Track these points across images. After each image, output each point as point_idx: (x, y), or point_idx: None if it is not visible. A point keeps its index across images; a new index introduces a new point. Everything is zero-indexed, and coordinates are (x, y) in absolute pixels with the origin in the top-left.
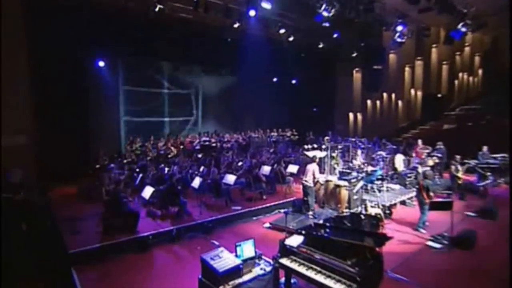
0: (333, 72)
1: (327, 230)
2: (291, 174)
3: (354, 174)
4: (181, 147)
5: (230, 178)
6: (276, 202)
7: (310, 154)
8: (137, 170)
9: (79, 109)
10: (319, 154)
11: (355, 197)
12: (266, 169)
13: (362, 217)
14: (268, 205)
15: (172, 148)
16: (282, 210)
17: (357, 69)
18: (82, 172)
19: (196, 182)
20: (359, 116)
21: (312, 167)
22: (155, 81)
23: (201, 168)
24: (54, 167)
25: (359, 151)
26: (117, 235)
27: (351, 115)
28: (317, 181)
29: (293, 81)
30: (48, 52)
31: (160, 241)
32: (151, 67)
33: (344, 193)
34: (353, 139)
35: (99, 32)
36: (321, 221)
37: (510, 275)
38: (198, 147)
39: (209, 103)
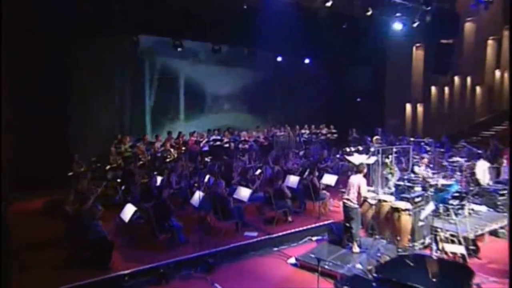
0: (384, 49)
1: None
2: (327, 187)
3: (418, 189)
4: (183, 148)
5: (243, 193)
6: (306, 227)
7: (354, 159)
8: (118, 180)
9: (55, 98)
10: (366, 159)
11: (420, 223)
12: (293, 180)
13: (438, 262)
14: (294, 230)
15: (172, 150)
16: (314, 238)
17: (418, 44)
18: (56, 181)
19: (196, 197)
20: (420, 108)
21: (357, 181)
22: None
23: (207, 177)
24: (22, 173)
25: (425, 157)
26: (81, 273)
27: (408, 107)
28: (365, 200)
29: (330, 63)
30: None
31: (141, 283)
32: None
33: (406, 220)
34: (412, 139)
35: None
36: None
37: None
38: (206, 148)
39: (221, 94)
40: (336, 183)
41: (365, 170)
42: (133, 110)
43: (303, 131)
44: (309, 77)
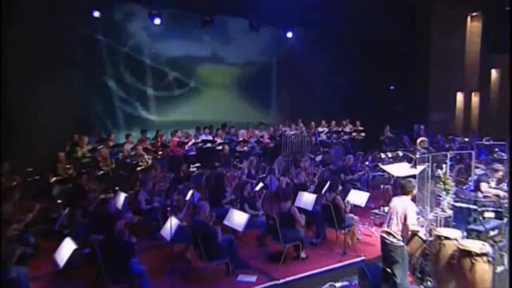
0: (427, 22)
1: None
2: (354, 209)
3: (490, 216)
4: (160, 152)
5: (238, 219)
6: (327, 267)
7: (393, 170)
8: (59, 201)
9: None
10: (409, 169)
11: (499, 268)
12: (307, 199)
13: None
14: (310, 272)
15: (144, 154)
16: (338, 285)
17: (474, 13)
18: None
19: (168, 226)
20: (475, 98)
21: (403, 206)
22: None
23: (190, 193)
24: None
25: (499, 169)
26: None
27: (459, 97)
28: (414, 235)
29: (356, 40)
30: None
31: None
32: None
33: (484, 270)
34: (467, 139)
35: None
36: None
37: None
38: (192, 152)
39: (213, 81)
40: (368, 201)
41: (415, 191)
42: (94, 103)
43: (320, 129)
44: (328, 58)
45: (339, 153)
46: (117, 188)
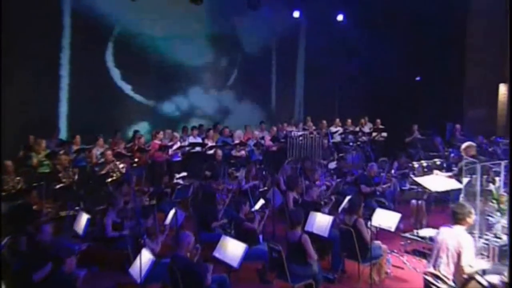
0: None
1: None
2: (380, 233)
3: None
4: (136, 160)
5: (233, 250)
6: None
7: (430, 183)
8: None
9: None
10: (448, 182)
11: None
12: (321, 222)
13: None
14: None
15: (115, 161)
16: None
17: None
18: None
19: (142, 262)
20: None
21: (455, 239)
22: None
23: (171, 213)
24: None
25: None
26: None
27: (502, 89)
28: (471, 279)
29: (375, 22)
30: None
31: None
32: None
33: None
34: None
35: None
36: None
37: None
38: (177, 158)
39: (201, 69)
40: (399, 223)
41: (472, 219)
42: (53, 96)
43: (333, 128)
44: (342, 43)
45: (358, 159)
46: (77, 207)
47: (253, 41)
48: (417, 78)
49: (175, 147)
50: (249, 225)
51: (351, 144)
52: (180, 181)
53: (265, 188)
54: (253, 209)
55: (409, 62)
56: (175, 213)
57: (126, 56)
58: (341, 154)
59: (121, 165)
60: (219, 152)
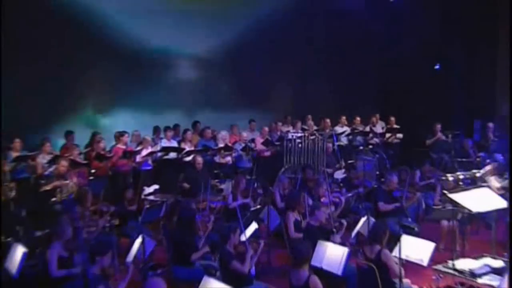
0: None
1: None
2: (407, 265)
3: None
4: (94, 170)
5: None
6: None
7: (471, 201)
8: None
9: None
10: (497, 199)
11: None
12: (333, 255)
13: None
14: None
15: (70, 171)
16: None
17: None
18: None
19: None
20: None
21: None
22: None
23: (137, 244)
24: None
25: None
26: None
27: None
28: None
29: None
30: None
31: None
32: None
33: None
34: None
35: None
36: None
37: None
38: (148, 167)
39: (179, 55)
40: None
41: None
42: None
43: (339, 128)
44: (348, 25)
45: (370, 167)
46: (9, 238)
47: (248, 22)
48: (436, 67)
49: (144, 153)
50: (239, 267)
51: (361, 148)
52: (150, 197)
53: (258, 206)
54: (244, 238)
55: (426, 48)
56: (143, 241)
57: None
58: (350, 161)
59: (74, 179)
60: (199, 159)
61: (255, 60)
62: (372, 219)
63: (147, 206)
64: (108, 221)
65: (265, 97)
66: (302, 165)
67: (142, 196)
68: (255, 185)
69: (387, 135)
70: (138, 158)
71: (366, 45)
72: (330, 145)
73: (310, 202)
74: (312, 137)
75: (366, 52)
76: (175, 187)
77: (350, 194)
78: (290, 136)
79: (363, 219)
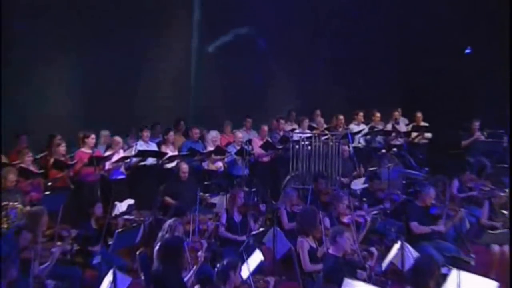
0: None
1: None
2: None
3: None
4: (50, 183)
5: None
6: None
7: None
8: None
9: None
10: None
11: None
12: None
13: None
14: None
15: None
16: None
17: None
18: None
19: None
20: None
21: None
22: None
23: (108, 279)
24: None
25: None
26: None
27: None
28: None
29: None
30: None
31: None
32: None
33: None
34: None
35: None
36: None
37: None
38: (120, 176)
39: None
40: None
41: None
42: None
43: (354, 126)
44: (364, 7)
45: (396, 175)
46: None
47: None
48: (467, 50)
49: (115, 158)
50: None
51: (384, 151)
52: (124, 216)
53: (259, 227)
54: (246, 274)
55: (454, 28)
56: (114, 277)
57: None
58: (371, 168)
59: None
60: (185, 166)
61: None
62: (409, 248)
63: (120, 229)
64: (70, 250)
65: (262, 89)
66: (313, 174)
67: (113, 214)
68: (255, 199)
69: (413, 134)
70: (108, 165)
71: (385, 27)
72: (346, 147)
73: (327, 222)
74: (325, 138)
75: (385, 35)
76: (155, 202)
77: (376, 213)
78: (295, 137)
79: (396, 246)
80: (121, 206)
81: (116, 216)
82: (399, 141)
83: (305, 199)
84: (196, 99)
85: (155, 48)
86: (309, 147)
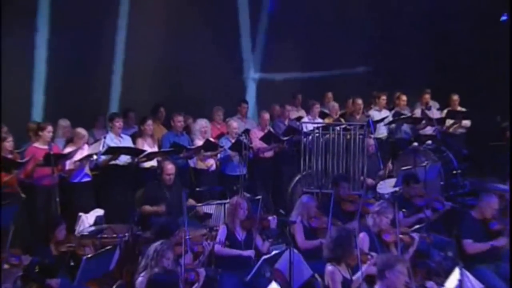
0: None
1: None
2: None
3: None
4: None
5: None
6: None
7: None
8: None
9: None
10: None
11: None
12: None
13: None
14: None
15: None
16: None
17: None
18: None
19: None
20: None
21: None
22: None
23: None
24: None
25: None
26: None
27: None
28: None
29: None
30: None
31: None
32: None
33: None
34: None
35: None
36: None
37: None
38: (85, 178)
39: None
40: None
41: None
42: None
43: (375, 112)
44: None
45: (434, 175)
46: None
47: None
48: (503, 17)
49: (78, 156)
50: None
51: (415, 144)
52: (91, 235)
53: (276, 250)
54: None
55: None
56: None
57: None
58: (404, 167)
59: None
60: (170, 166)
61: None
62: (469, 277)
63: (88, 256)
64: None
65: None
66: (335, 175)
67: (77, 232)
68: (259, 212)
69: (448, 122)
70: (69, 165)
71: None
72: (371, 140)
73: (366, 241)
74: (344, 127)
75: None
76: (132, 213)
77: (414, 225)
78: (305, 127)
79: (457, 273)
80: (87, 219)
81: (81, 233)
82: (429, 130)
83: (323, 208)
84: (175, 79)
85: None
86: (323, 140)
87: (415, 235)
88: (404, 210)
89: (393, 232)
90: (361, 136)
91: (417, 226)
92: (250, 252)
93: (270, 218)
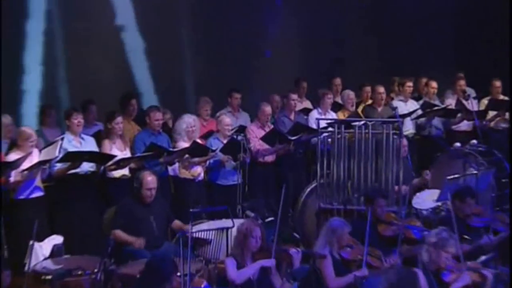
0: None
1: None
2: None
3: None
4: None
5: None
6: None
7: None
8: None
9: None
10: None
11: None
12: None
13: None
14: None
15: None
16: None
17: None
18: None
19: None
20: None
21: None
22: None
23: None
24: None
25: None
26: None
27: None
28: None
29: None
30: None
31: None
32: None
33: None
34: None
35: None
36: None
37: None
38: (37, 193)
39: None
40: None
41: None
42: None
43: (400, 103)
44: None
45: (485, 186)
46: None
47: None
48: None
49: (26, 164)
50: None
51: (458, 145)
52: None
53: None
54: None
55: None
56: None
57: None
58: (452, 176)
59: None
60: (150, 178)
61: None
62: None
63: None
64: None
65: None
66: (367, 188)
67: (28, 266)
68: (276, 238)
69: (489, 114)
70: (15, 176)
71: None
72: (405, 141)
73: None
74: (373, 123)
75: None
76: (107, 242)
77: (475, 253)
78: (317, 123)
79: None
80: (42, 248)
81: (35, 268)
82: (464, 125)
83: (363, 232)
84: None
85: None
86: (342, 141)
87: (487, 272)
88: (467, 236)
89: (456, 269)
90: (395, 136)
91: (483, 258)
92: None
93: (293, 251)
